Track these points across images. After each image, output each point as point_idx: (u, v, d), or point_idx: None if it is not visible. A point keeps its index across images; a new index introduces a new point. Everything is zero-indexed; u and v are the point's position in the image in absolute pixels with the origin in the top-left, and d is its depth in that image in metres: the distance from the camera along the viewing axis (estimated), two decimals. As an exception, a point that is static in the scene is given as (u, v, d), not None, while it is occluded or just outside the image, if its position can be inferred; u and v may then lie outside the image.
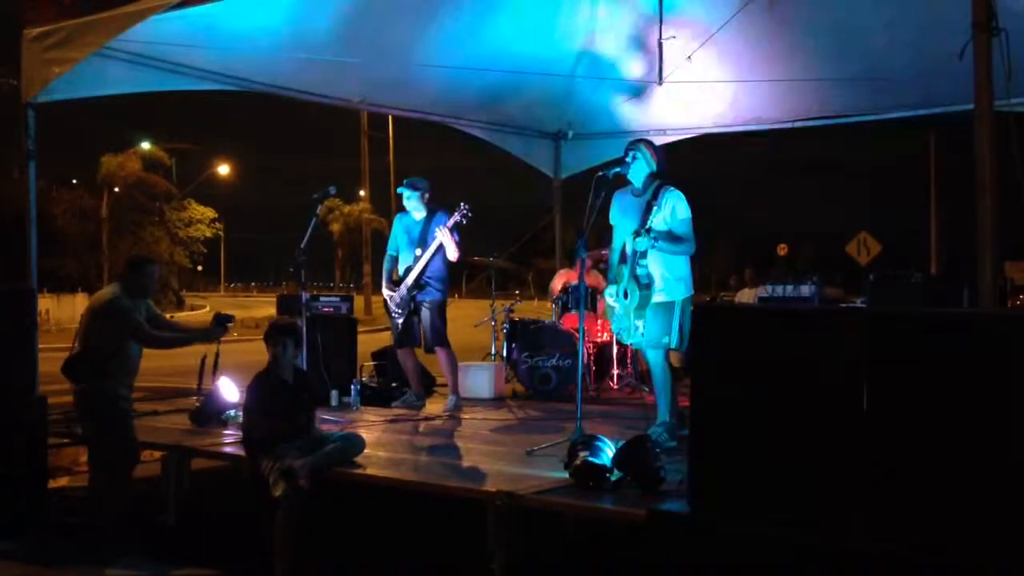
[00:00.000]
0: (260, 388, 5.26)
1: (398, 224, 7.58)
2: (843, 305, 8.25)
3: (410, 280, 7.28)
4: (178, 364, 10.44)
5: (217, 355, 6.92)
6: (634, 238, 5.62)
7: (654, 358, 5.79)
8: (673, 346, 5.73)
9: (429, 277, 7.28)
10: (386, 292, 7.50)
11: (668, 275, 5.70)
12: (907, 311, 3.88)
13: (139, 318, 5.56)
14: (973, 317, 3.84)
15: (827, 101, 8.58)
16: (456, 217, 7.22)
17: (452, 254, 7.28)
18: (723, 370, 3.87)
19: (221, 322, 6.02)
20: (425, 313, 7.29)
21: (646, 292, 5.68)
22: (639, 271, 5.67)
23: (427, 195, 7.39)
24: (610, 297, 5.88)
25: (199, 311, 40.24)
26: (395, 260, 7.52)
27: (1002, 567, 3.16)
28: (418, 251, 7.29)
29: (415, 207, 7.39)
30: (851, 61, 7.58)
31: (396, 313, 7.39)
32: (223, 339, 6.37)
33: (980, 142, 4.65)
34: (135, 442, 5.60)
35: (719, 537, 3.75)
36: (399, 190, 7.51)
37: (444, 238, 7.18)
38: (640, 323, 5.74)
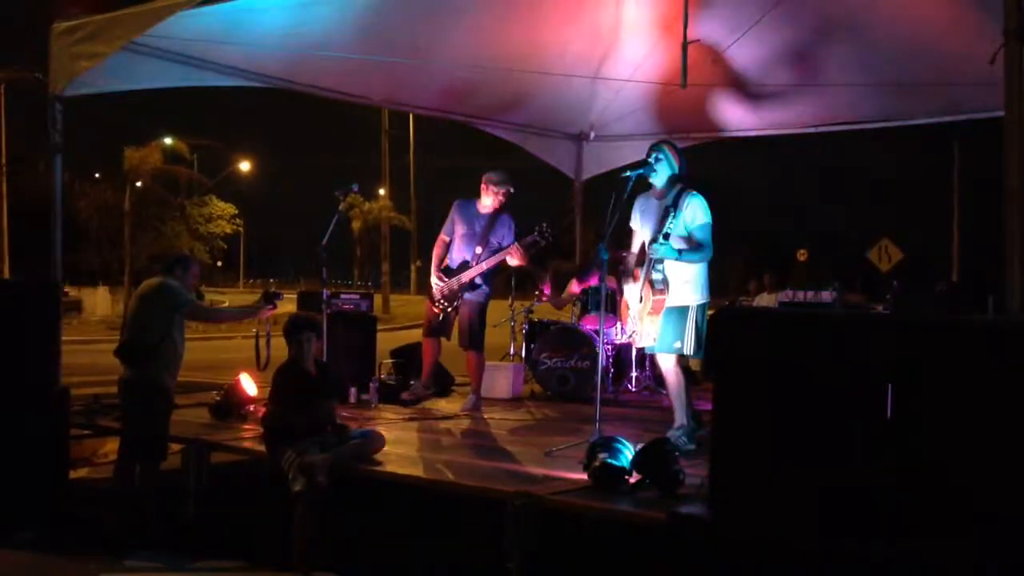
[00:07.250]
0: (283, 380, 5.31)
1: (459, 211, 7.31)
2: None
3: (465, 278, 7.14)
4: (202, 359, 10.54)
5: (268, 334, 6.90)
6: (653, 244, 5.59)
7: (666, 363, 5.76)
8: (685, 352, 5.67)
9: (483, 279, 7.19)
10: (435, 281, 7.28)
11: (684, 280, 5.65)
12: (935, 320, 3.85)
13: (190, 296, 5.83)
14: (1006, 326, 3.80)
15: (850, 107, 8.54)
16: (535, 236, 7.01)
17: (514, 262, 7.15)
18: (744, 374, 3.84)
19: (269, 299, 6.31)
20: (465, 311, 7.18)
21: (660, 297, 5.64)
22: (654, 276, 5.64)
23: (503, 196, 7.18)
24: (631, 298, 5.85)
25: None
26: (447, 247, 7.32)
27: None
28: (478, 249, 7.15)
29: (488, 202, 7.23)
30: (876, 66, 7.53)
31: (441, 304, 7.25)
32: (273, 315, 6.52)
33: (1009, 149, 4.60)
34: (167, 435, 5.67)
35: (739, 542, 3.74)
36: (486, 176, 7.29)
37: (517, 255, 7.04)
38: (653, 328, 5.71)
